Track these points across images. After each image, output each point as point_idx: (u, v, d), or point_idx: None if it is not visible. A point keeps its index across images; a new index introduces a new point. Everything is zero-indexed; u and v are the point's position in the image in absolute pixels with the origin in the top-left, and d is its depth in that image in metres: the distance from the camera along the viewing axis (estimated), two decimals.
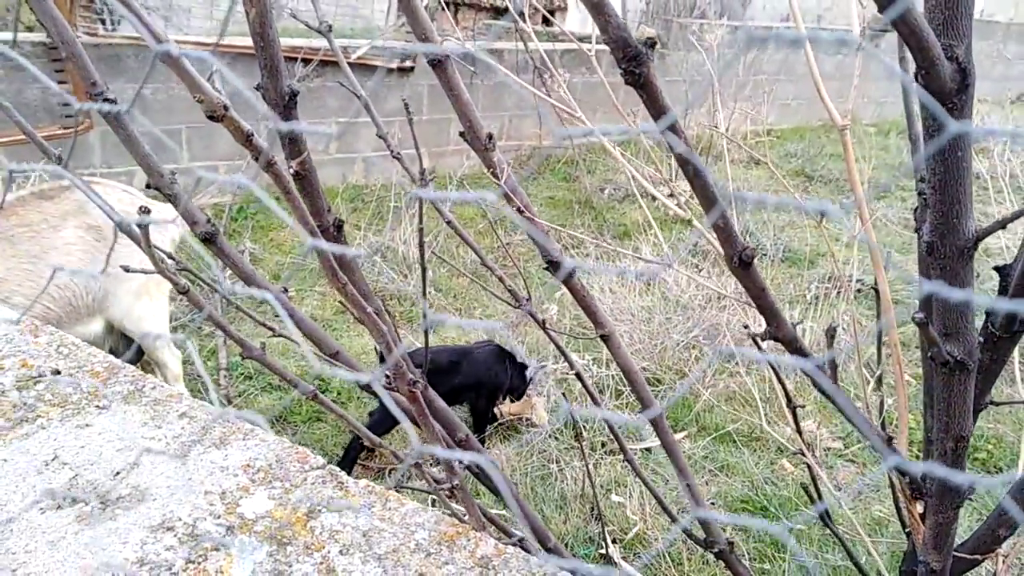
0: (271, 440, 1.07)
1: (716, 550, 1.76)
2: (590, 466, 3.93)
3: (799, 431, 1.28)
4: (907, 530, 1.22)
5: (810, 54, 1.08)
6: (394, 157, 1.52)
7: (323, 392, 4.27)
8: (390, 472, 3.71)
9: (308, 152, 1.09)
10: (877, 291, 1.31)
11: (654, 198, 7.44)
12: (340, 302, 4.80)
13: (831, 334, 0.85)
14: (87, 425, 1.05)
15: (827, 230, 7.08)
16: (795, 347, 0.77)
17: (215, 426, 1.08)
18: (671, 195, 6.89)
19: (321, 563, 0.89)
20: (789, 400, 1.26)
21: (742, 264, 0.76)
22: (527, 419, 4.18)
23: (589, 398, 4.02)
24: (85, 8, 5.95)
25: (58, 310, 2.64)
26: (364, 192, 6.68)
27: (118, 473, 0.98)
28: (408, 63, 6.59)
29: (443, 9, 6.40)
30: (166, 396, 1.12)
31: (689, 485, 1.69)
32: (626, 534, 3.62)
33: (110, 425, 1.06)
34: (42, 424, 1.05)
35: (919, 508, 0.99)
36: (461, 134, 1.30)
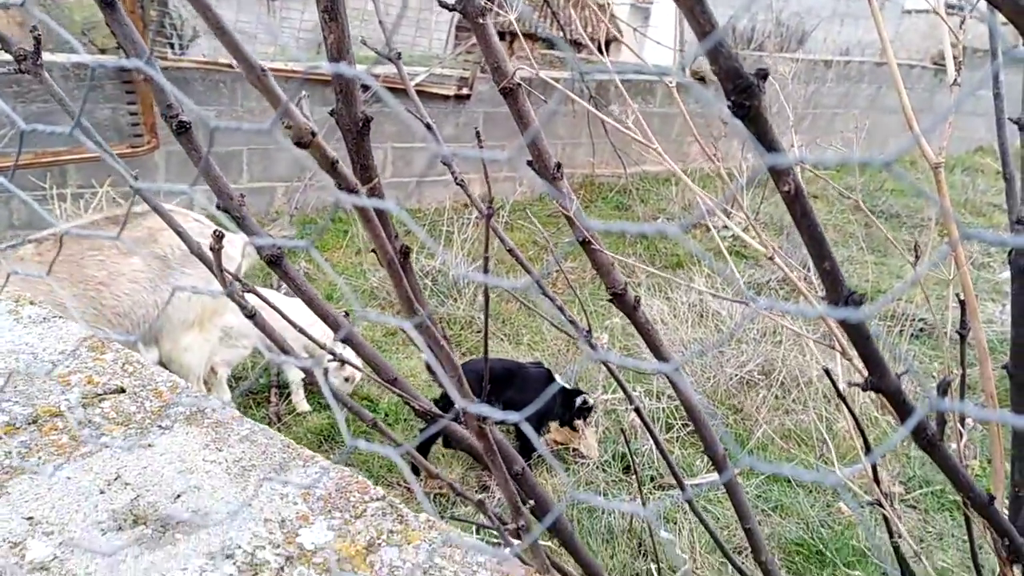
0: (331, 468, 1.05)
1: None
2: (638, 499, 3.85)
3: (877, 481, 1.21)
4: None
5: (902, 90, 1.03)
6: (458, 184, 1.51)
7: (372, 412, 4.28)
8: (435, 497, 3.68)
9: (378, 178, 1.08)
10: (962, 336, 1.24)
11: (707, 229, 7.35)
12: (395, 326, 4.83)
13: (943, 388, 0.80)
14: (150, 445, 1.05)
15: (885, 267, 6.88)
16: (899, 399, 0.72)
17: (275, 451, 1.07)
18: (746, 228, 6.79)
19: None
20: (868, 449, 1.19)
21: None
22: (574, 449, 4.11)
23: (646, 431, 3.92)
24: (156, 33, 6.16)
25: (117, 339, 2.69)
26: (417, 216, 6.74)
27: (179, 496, 0.97)
28: (465, 91, 6.65)
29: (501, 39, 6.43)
30: (228, 419, 1.11)
31: (751, 529, 1.62)
32: (674, 572, 3.52)
33: (172, 446, 1.05)
34: (106, 443, 1.04)
35: (1017, 572, 0.92)
36: (529, 163, 1.28)
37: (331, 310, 1.35)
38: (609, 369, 1.55)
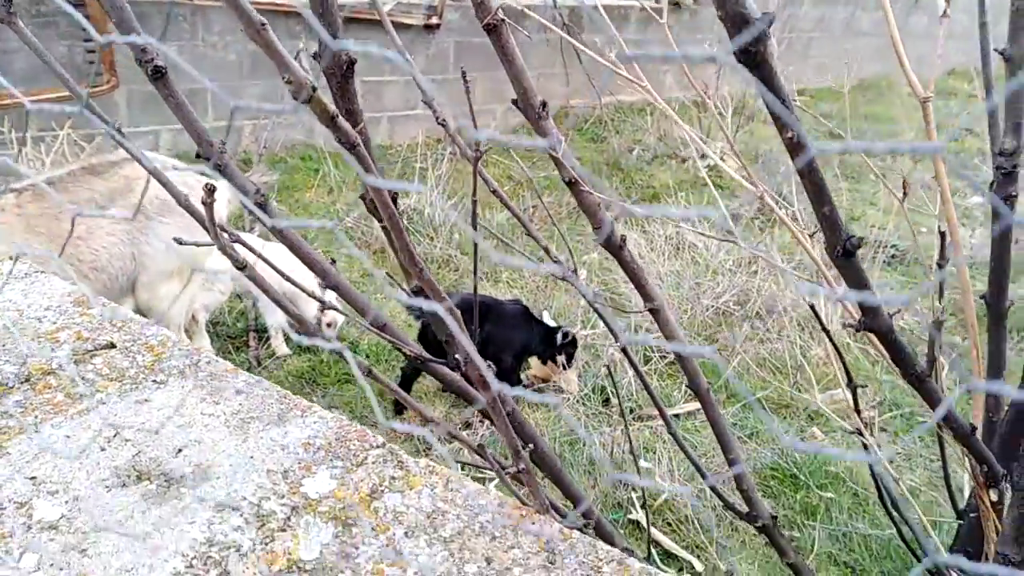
0: (329, 417, 1.06)
1: (759, 524, 1.75)
2: (619, 431, 3.93)
3: (858, 411, 1.25)
4: (969, 511, 1.20)
5: (890, 15, 1.02)
6: (440, 124, 1.48)
7: (352, 351, 4.29)
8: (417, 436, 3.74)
9: (364, 123, 1.06)
10: (940, 266, 1.27)
11: (683, 160, 7.28)
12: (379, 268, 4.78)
13: (938, 325, 0.82)
14: (146, 400, 1.05)
15: (859, 193, 6.94)
16: (891, 339, 0.74)
17: (272, 402, 1.07)
18: (723, 158, 6.77)
19: (387, 545, 0.88)
20: (850, 379, 1.23)
21: (845, 254, 0.72)
22: (555, 383, 4.18)
23: (626, 364, 3.98)
24: None
25: (93, 291, 2.65)
26: (389, 153, 6.63)
27: (180, 450, 0.98)
28: (434, 20, 6.47)
29: None
30: (222, 371, 1.11)
31: (734, 460, 1.67)
32: (655, 500, 3.63)
33: (168, 400, 1.05)
34: (101, 399, 1.04)
35: (992, 496, 0.97)
36: (514, 101, 1.26)
37: (317, 256, 1.34)
38: (594, 308, 1.56)
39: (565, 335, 3.63)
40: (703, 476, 1.83)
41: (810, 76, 8.95)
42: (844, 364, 1.31)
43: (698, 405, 4.21)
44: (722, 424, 1.63)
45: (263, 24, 0.52)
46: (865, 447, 1.39)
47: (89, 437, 0.98)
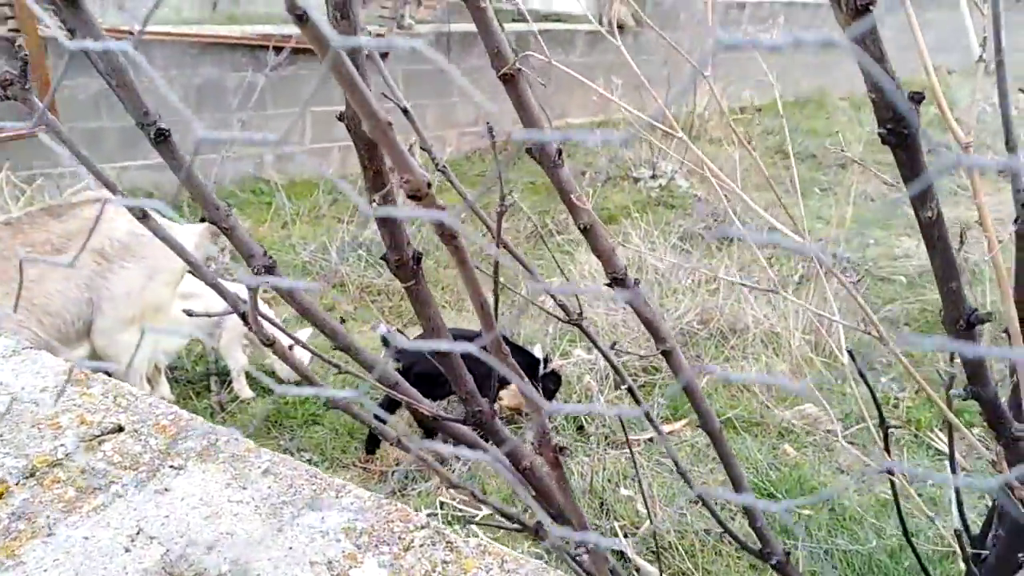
0: (366, 496, 1.00)
1: (774, 561, 1.74)
2: (596, 459, 3.90)
3: (888, 450, 1.24)
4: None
5: (914, 20, 1.02)
6: (423, 149, 1.44)
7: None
8: (392, 474, 3.65)
9: (391, 186, 1.01)
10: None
11: (636, 180, 7.34)
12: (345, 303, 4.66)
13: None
14: (166, 490, 0.97)
15: (807, 208, 7.11)
16: (995, 404, 0.72)
17: (303, 483, 1.00)
18: (672, 179, 6.79)
19: None
20: (883, 420, 1.22)
21: (968, 326, 0.71)
22: (526, 413, 4.13)
23: (596, 391, 3.95)
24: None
25: (46, 336, 2.50)
26: (344, 181, 6.52)
27: (211, 547, 0.90)
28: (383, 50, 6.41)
29: None
30: (244, 451, 1.04)
31: (735, 478, 1.66)
32: (637, 528, 3.60)
33: (190, 488, 0.97)
34: (117, 492, 0.96)
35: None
36: (528, 151, 1.22)
37: (327, 318, 1.27)
38: (607, 357, 1.53)
39: (546, 363, 3.58)
40: (712, 513, 1.80)
41: (750, 94, 9.18)
42: (876, 402, 1.31)
43: (677, 425, 4.22)
44: (733, 461, 1.61)
45: (389, 123, 0.48)
46: (893, 486, 1.39)
47: (110, 537, 0.89)
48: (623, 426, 3.08)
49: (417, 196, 0.56)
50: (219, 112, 5.79)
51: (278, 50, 5.80)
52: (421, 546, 0.94)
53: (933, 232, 0.61)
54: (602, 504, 3.60)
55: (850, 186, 5.91)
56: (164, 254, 2.66)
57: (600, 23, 8.17)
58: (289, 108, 6.29)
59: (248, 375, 3.99)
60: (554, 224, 6.27)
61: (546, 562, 1.00)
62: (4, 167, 4.44)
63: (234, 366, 3.92)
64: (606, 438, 3.97)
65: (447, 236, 0.66)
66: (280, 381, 3.94)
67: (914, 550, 1.90)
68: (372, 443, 3.57)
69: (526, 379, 0.94)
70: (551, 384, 3.71)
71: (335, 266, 5.15)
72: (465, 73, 7.10)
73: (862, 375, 1.18)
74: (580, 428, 4.02)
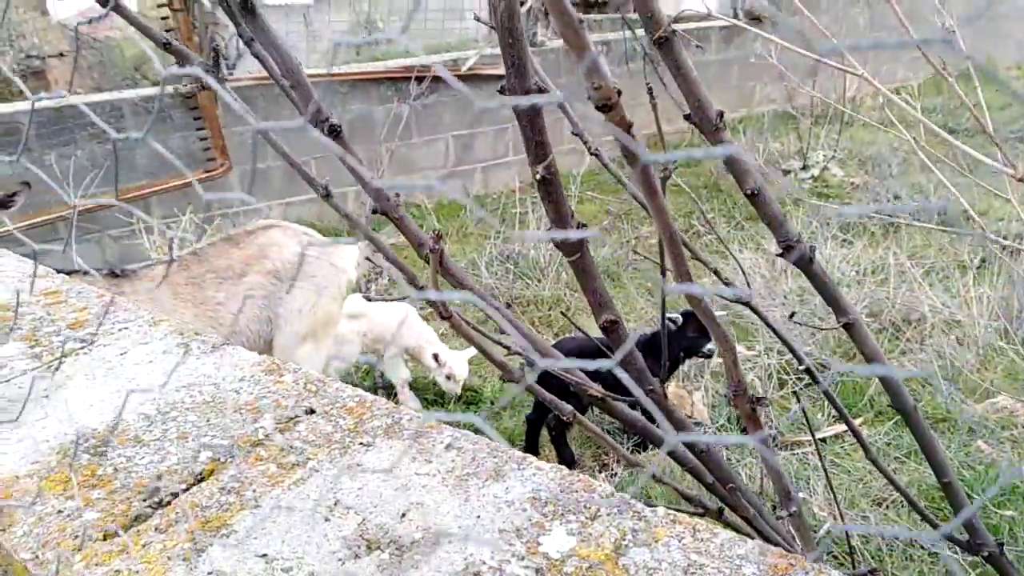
0: (548, 468, 0.99)
1: (985, 553, 1.57)
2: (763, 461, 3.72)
3: None
4: None
5: None
6: (592, 154, 1.43)
7: (477, 403, 4.26)
8: None
9: (553, 156, 1.01)
10: None
11: (785, 172, 7.01)
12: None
13: None
14: (358, 464, 1.01)
15: (984, 187, 6.52)
16: None
17: (485, 456, 1.01)
18: (825, 167, 6.46)
19: None
20: None
21: None
22: (686, 415, 4.01)
23: (766, 387, 3.78)
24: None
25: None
26: (487, 201, 6.68)
27: (404, 515, 0.92)
28: None
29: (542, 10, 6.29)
30: (426, 428, 1.06)
31: (949, 483, 1.51)
32: (815, 532, 3.39)
33: (380, 462, 1.01)
34: (313, 467, 1.00)
35: None
36: (686, 116, 1.19)
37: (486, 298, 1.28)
38: (777, 334, 1.45)
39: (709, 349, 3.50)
40: (910, 501, 1.65)
41: (905, 73, 8.58)
42: None
43: (843, 427, 3.96)
44: (935, 444, 1.48)
45: (582, 21, 0.47)
46: None
47: (310, 507, 0.93)
48: (807, 420, 2.92)
49: (607, 106, 0.54)
50: (370, 143, 6.10)
51: (420, 80, 6.05)
52: (608, 515, 0.91)
53: None
54: (774, 508, 3.42)
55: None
56: (330, 271, 2.83)
57: (736, 17, 7.93)
58: (433, 135, 6.53)
59: (411, 386, 4.14)
60: (701, 224, 6.10)
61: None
62: (188, 209, 4.89)
63: (397, 380, 4.07)
64: (773, 439, 3.78)
65: (632, 157, 0.65)
66: (443, 394, 4.06)
67: None
68: (531, 447, 3.59)
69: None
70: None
71: (484, 279, 5.26)
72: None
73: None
74: (744, 430, 3.86)
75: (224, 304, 2.54)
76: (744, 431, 4.04)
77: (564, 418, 1.02)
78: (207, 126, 5.09)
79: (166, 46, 0.95)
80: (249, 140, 5.26)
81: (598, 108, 0.56)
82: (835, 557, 3.13)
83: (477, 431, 0.94)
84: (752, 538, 1.07)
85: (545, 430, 3.69)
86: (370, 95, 6.14)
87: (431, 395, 4.27)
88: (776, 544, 1.18)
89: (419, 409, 4.09)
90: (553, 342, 3.91)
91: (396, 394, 4.15)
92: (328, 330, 2.89)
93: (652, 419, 1.39)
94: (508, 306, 5.19)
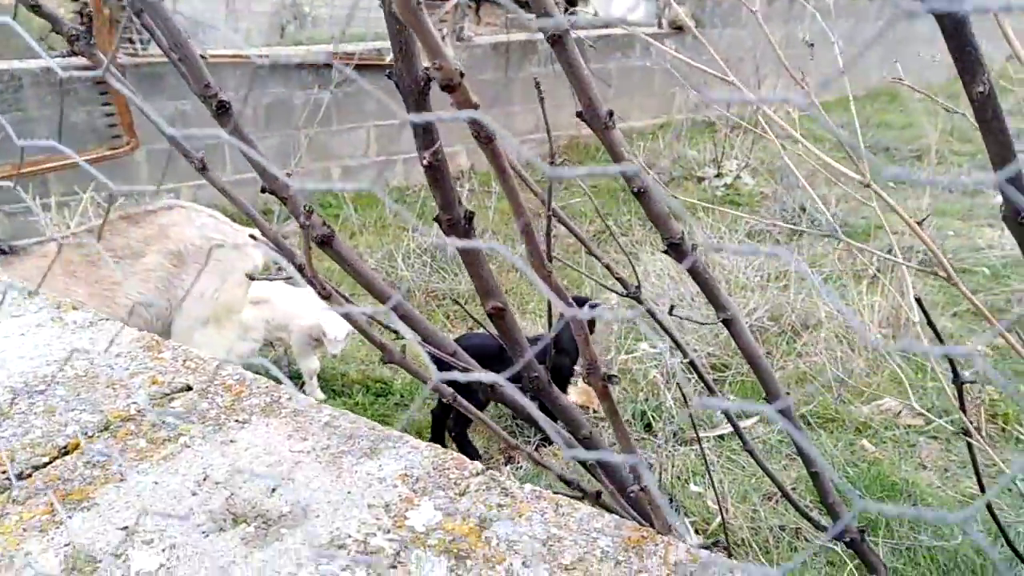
0: (423, 446, 1.01)
1: (847, 539, 1.68)
2: (664, 456, 3.85)
3: (963, 409, 1.18)
4: None
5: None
6: (481, 147, 1.46)
7: (386, 395, 4.24)
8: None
9: (440, 143, 1.03)
10: None
11: (700, 180, 7.25)
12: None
13: None
14: (231, 441, 1.00)
15: (885, 202, 6.88)
16: None
17: (362, 434, 1.02)
18: (737, 176, 6.67)
19: None
20: (956, 375, 1.16)
21: None
22: (593, 410, 4.10)
23: (667, 386, 3.90)
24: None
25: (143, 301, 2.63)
26: (407, 194, 6.64)
27: (274, 490, 0.93)
28: None
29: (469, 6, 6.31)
30: (305, 406, 1.07)
31: (817, 472, 1.61)
32: (708, 524, 3.53)
33: (254, 440, 1.01)
34: (185, 443, 1.00)
35: None
36: (579, 114, 1.23)
37: (379, 282, 1.30)
38: (663, 328, 1.51)
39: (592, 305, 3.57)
40: (780, 488, 1.75)
41: (815, 90, 8.96)
42: (936, 331, 1.24)
43: (748, 422, 4.12)
44: (806, 442, 1.56)
45: (419, 3, 0.49)
46: (970, 447, 1.32)
47: (178, 482, 0.93)
48: (693, 423, 3.03)
49: (450, 86, 0.56)
50: (287, 129, 5.98)
51: (327, 67, 5.96)
52: (476, 491, 0.94)
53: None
54: (671, 500, 3.53)
55: (931, 175, 5.70)
56: (235, 257, 2.77)
57: (659, 26, 8.11)
58: (354, 123, 6.45)
59: (320, 377, 4.09)
60: (617, 226, 6.24)
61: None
62: (89, 187, 4.69)
63: (305, 370, 4.01)
64: (674, 435, 3.90)
65: (484, 138, 0.67)
66: (350, 384, 4.02)
67: (1008, 541, 1.80)
68: (438, 440, 3.60)
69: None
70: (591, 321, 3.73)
71: (400, 272, 5.24)
72: (523, 82, 7.15)
73: (930, 323, 1.13)
74: (648, 426, 3.97)
75: (120, 284, 2.45)
76: (648, 427, 4.09)
77: (451, 405, 1.04)
78: (113, 101, 4.88)
79: (34, 8, 0.92)
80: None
81: (443, 88, 0.58)
82: (724, 549, 3.27)
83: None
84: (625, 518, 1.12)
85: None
86: (290, 80, 6.03)
87: (338, 386, 4.24)
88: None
89: (323, 400, 4.04)
90: (456, 337, 3.93)
91: (303, 384, 4.09)
92: (231, 316, 2.83)
93: (547, 410, 1.43)
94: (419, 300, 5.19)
